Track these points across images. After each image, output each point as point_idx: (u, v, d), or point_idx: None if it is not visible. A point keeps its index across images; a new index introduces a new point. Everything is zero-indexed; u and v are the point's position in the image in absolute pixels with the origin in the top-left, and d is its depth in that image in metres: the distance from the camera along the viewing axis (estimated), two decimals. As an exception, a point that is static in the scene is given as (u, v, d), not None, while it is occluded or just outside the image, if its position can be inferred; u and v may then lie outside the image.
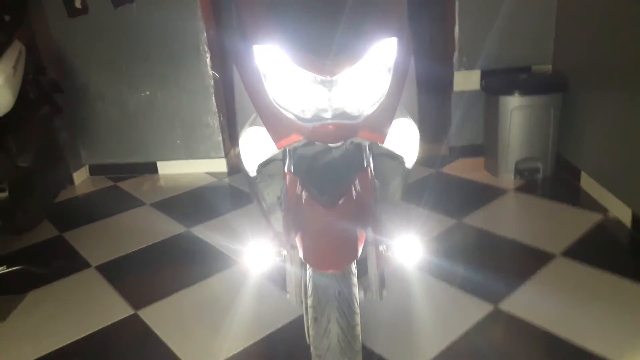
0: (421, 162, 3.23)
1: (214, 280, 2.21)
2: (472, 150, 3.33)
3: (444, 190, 2.97)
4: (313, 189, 1.39)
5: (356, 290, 1.28)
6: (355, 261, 1.29)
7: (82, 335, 1.92)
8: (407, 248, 1.43)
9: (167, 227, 2.72)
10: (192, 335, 1.87)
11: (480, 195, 2.85)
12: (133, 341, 1.88)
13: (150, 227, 2.74)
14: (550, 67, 3.14)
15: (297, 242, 1.31)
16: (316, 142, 1.40)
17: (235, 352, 1.77)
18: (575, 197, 2.73)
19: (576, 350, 1.67)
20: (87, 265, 2.41)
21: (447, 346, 1.73)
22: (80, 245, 2.61)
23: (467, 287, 2.02)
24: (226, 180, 3.36)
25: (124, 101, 3.39)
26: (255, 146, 1.40)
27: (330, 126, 1.25)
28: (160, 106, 3.39)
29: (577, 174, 2.86)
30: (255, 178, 1.55)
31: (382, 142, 1.35)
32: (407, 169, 1.54)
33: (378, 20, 1.26)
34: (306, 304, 1.35)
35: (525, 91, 2.83)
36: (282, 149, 1.47)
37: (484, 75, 3.14)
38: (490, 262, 2.21)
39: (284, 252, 1.44)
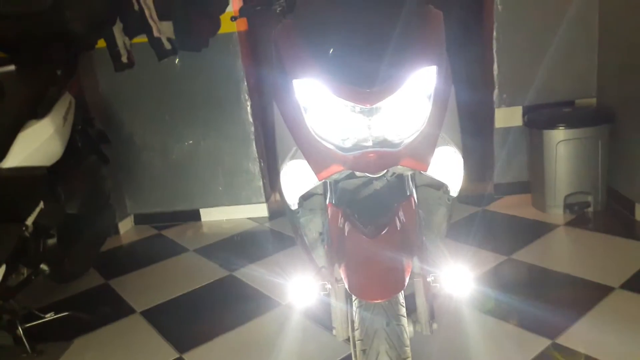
0: (466, 200, 3.19)
1: (259, 322, 2.18)
2: (517, 187, 3.24)
3: (491, 227, 2.88)
4: (356, 219, 1.36)
5: (405, 322, 1.23)
6: (402, 291, 1.24)
7: (128, 379, 1.92)
8: (457, 279, 1.38)
9: (211, 272, 2.72)
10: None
11: (529, 231, 2.75)
12: (178, 385, 1.87)
13: (194, 273, 2.75)
14: (593, 100, 3.06)
15: (342, 273, 1.28)
16: (357, 174, 1.39)
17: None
18: (630, 229, 2.60)
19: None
20: (132, 311, 2.42)
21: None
22: (125, 292, 2.63)
23: (521, 322, 1.93)
24: (267, 224, 3.36)
25: (168, 151, 3.50)
26: (296, 179, 1.39)
27: (371, 155, 1.23)
28: (203, 154, 3.47)
29: (631, 206, 2.72)
30: (296, 211, 1.54)
31: (425, 170, 1.32)
32: (451, 197, 1.50)
33: (416, 49, 1.26)
34: (353, 337, 1.30)
35: (570, 124, 2.77)
36: (323, 182, 1.46)
37: (526, 111, 3.10)
38: (545, 296, 2.11)
39: (328, 286, 1.41)
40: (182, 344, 2.08)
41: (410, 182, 1.44)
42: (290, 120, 1.36)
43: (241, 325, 2.16)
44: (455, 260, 1.46)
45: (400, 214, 1.36)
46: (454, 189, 1.44)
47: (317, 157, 1.30)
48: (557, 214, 2.89)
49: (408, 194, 1.41)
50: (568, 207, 2.88)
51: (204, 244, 3.14)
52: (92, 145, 2.71)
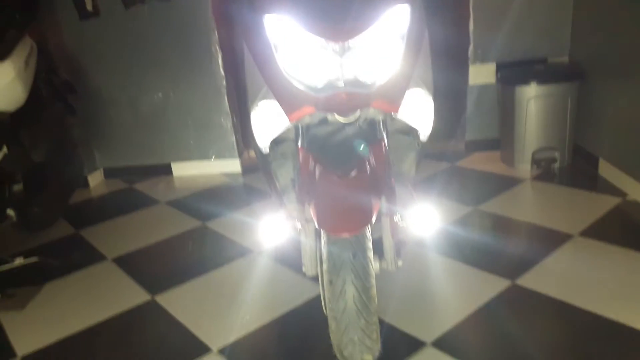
0: (436, 157, 3.24)
1: (230, 267, 2.21)
2: (488, 144, 3.30)
3: (460, 182, 2.95)
4: (326, 162, 1.38)
5: (371, 254, 1.27)
6: (369, 227, 1.27)
7: (101, 319, 1.94)
8: (423, 219, 1.42)
9: (183, 223, 2.72)
10: (210, 316, 1.88)
11: (496, 185, 2.82)
12: (151, 323, 1.89)
13: (166, 223, 2.75)
14: (566, 58, 3.11)
15: (311, 211, 1.30)
16: (329, 119, 1.39)
17: (252, 329, 1.78)
18: (593, 183, 2.70)
19: (594, 318, 1.66)
20: (103, 258, 2.42)
21: (465, 318, 1.72)
22: (96, 240, 2.62)
23: (483, 265, 2.01)
24: (240, 179, 3.36)
25: (137, 103, 3.42)
26: (267, 120, 1.39)
27: (343, 95, 1.24)
28: (173, 107, 3.41)
29: (595, 161, 2.81)
30: (268, 156, 1.54)
31: (396, 112, 1.33)
32: (421, 142, 1.52)
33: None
34: (321, 271, 1.34)
35: (541, 80, 2.81)
36: (295, 127, 1.47)
37: (500, 68, 3.12)
38: (507, 243, 2.20)
39: (298, 226, 1.43)
40: (154, 287, 2.10)
41: (382, 128, 1.45)
42: (261, 60, 1.34)
43: (213, 269, 2.19)
44: (422, 204, 1.50)
45: (371, 157, 1.38)
46: (424, 133, 1.46)
47: (288, 99, 1.29)
48: (524, 169, 2.97)
49: (379, 137, 1.43)
50: (535, 162, 2.96)
51: (176, 197, 3.12)
52: (57, 94, 2.64)
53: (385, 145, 1.43)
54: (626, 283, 1.82)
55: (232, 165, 3.49)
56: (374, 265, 1.32)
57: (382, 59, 1.25)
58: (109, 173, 3.62)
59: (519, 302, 1.78)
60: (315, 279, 1.56)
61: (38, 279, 2.24)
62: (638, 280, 1.83)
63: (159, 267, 2.30)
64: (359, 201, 1.26)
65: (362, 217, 1.23)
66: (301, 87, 1.26)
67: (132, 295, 2.06)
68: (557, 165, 2.95)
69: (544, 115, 2.87)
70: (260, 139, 1.43)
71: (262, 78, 1.34)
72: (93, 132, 3.48)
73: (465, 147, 3.36)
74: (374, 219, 1.24)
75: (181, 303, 1.98)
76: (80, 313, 1.98)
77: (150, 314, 1.94)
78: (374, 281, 1.25)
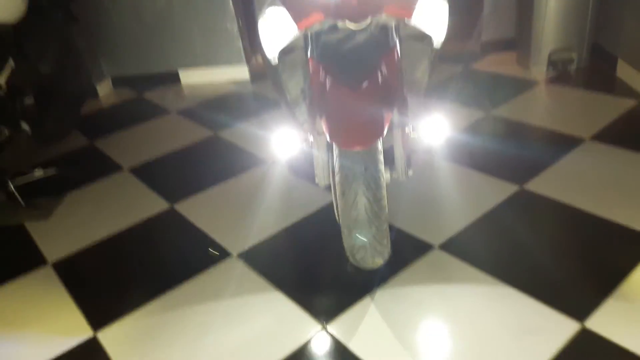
0: (451, 58, 3.15)
1: (245, 176, 2.26)
2: (504, 45, 3.20)
3: (473, 85, 2.89)
4: (337, 73, 1.36)
5: (382, 166, 1.29)
6: (380, 140, 1.28)
7: (124, 227, 2.02)
8: (434, 130, 1.42)
9: (195, 133, 2.75)
10: (228, 223, 1.95)
11: (510, 88, 2.77)
12: (173, 230, 1.98)
13: (179, 133, 2.77)
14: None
15: (323, 124, 1.30)
16: (339, 26, 1.35)
17: (269, 235, 1.86)
18: (610, 85, 2.63)
19: (602, 222, 1.70)
20: (119, 168, 2.48)
21: (472, 222, 1.77)
22: (111, 151, 2.67)
23: (492, 171, 2.03)
24: (249, 87, 3.32)
25: (140, 9, 3.30)
26: (275, 28, 1.34)
27: (354, 0, 1.19)
28: (177, 13, 3.29)
29: (614, 62, 2.72)
30: (277, 66, 1.51)
31: (410, 17, 1.28)
32: (435, 49, 1.48)
33: None
34: (333, 183, 1.37)
35: (563, -26, 2.65)
36: (304, 35, 1.42)
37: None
38: (517, 148, 2.20)
39: (310, 139, 1.45)
40: (172, 196, 2.17)
41: (394, 34, 1.40)
42: (267, -37, 1.28)
43: (228, 179, 2.25)
44: (434, 113, 1.49)
45: (383, 66, 1.36)
46: (438, 40, 1.41)
47: (296, 5, 1.25)
48: (539, 70, 2.89)
49: (391, 45, 1.39)
50: (551, 63, 2.87)
51: (186, 106, 3.12)
52: (58, 2, 2.55)
53: (397, 53, 1.40)
54: (635, 187, 1.84)
55: (241, 72, 3.44)
56: (385, 175, 1.35)
57: (394, -39, 1.18)
58: (117, 82, 3.59)
59: (527, 207, 1.82)
60: (327, 188, 1.60)
61: (59, 189, 2.32)
62: (643, 183, 1.85)
63: (176, 177, 2.36)
64: (371, 114, 1.26)
65: (374, 130, 1.23)
66: (309, -8, 1.21)
67: (152, 204, 2.14)
68: (573, 66, 2.86)
69: (564, 12, 2.74)
70: (269, 49, 1.39)
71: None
72: (98, 40, 3.41)
73: (481, 48, 3.25)
74: (385, 132, 1.25)
75: (200, 211, 2.05)
76: (104, 221, 2.07)
77: (170, 221, 2.03)
78: (385, 192, 1.29)
